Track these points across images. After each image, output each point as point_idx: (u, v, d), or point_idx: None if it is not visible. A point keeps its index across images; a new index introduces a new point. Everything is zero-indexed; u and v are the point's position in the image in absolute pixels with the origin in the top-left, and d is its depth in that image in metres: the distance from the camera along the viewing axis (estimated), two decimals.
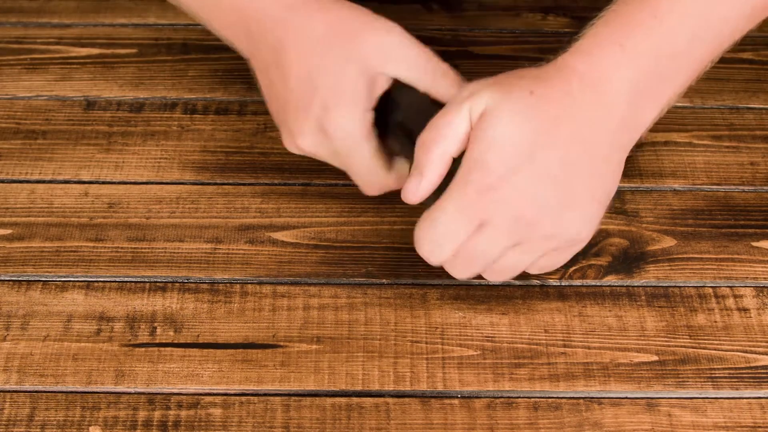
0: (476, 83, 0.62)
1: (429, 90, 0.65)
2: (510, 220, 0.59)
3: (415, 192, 0.61)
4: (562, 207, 0.60)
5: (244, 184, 0.75)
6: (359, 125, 0.64)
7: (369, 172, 0.66)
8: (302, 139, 0.65)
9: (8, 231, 0.72)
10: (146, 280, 0.69)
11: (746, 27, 0.63)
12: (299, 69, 0.64)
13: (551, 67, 0.62)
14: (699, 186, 0.75)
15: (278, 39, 0.64)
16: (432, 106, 0.64)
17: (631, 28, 0.61)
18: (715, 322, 0.67)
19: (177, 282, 0.69)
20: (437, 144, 0.60)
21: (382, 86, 0.65)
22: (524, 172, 0.59)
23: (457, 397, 0.64)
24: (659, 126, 0.79)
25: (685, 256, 0.71)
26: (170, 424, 0.62)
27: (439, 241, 0.61)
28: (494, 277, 0.64)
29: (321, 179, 0.75)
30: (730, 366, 0.65)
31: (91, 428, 0.62)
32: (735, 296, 0.69)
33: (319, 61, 0.64)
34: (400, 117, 0.66)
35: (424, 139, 0.61)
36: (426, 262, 0.70)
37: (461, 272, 0.63)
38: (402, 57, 0.65)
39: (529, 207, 0.59)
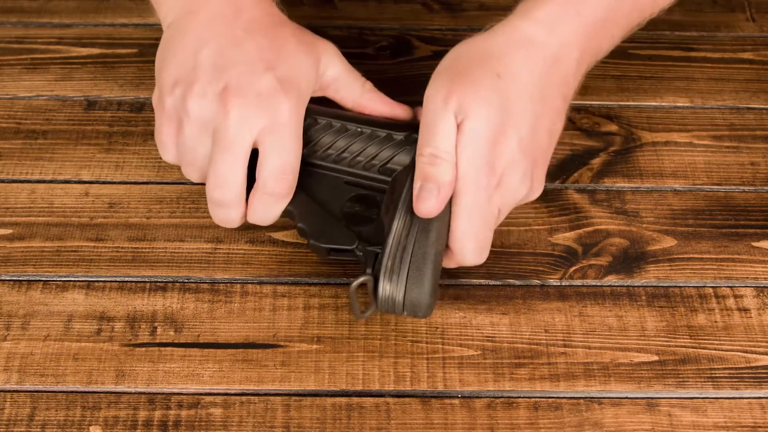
0: (439, 82, 0.65)
1: (357, 99, 0.70)
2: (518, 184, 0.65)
3: (436, 205, 0.63)
4: (533, 166, 0.66)
5: None
6: (302, 109, 0.66)
7: (287, 157, 0.65)
8: (245, 97, 0.64)
9: (9, 231, 0.72)
10: (147, 279, 0.69)
11: None
12: (270, 31, 0.67)
13: (509, 39, 0.66)
14: (699, 186, 0.75)
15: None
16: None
17: None
18: (716, 322, 0.68)
19: (177, 282, 0.69)
20: (439, 154, 0.63)
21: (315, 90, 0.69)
22: (513, 155, 0.64)
23: (458, 397, 0.64)
24: (659, 126, 0.79)
25: (685, 256, 0.71)
26: (170, 423, 0.62)
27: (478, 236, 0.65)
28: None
29: None
30: (730, 366, 0.65)
31: (91, 428, 0.62)
32: (735, 296, 0.69)
33: (290, 35, 0.67)
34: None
35: (425, 152, 0.63)
36: None
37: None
38: (341, 62, 0.70)
39: (523, 179, 0.65)
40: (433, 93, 0.64)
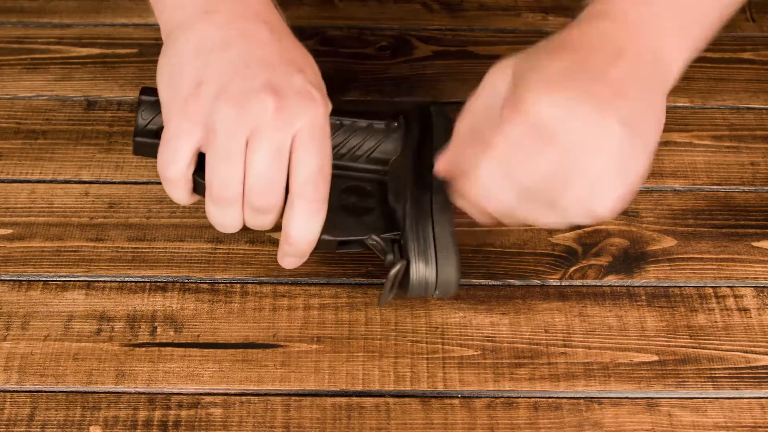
0: (533, 90, 0.59)
1: None
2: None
3: None
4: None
5: None
6: (328, 115, 0.63)
7: (324, 160, 0.62)
8: (286, 93, 0.60)
9: (9, 231, 0.72)
10: (147, 279, 0.69)
11: None
12: (290, 35, 0.65)
13: (606, 52, 0.60)
14: (699, 186, 0.75)
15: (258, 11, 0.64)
16: None
17: None
18: (716, 322, 0.68)
19: (177, 282, 0.69)
20: None
21: None
22: None
23: (458, 397, 0.64)
24: None
25: (685, 256, 0.71)
26: (170, 424, 0.62)
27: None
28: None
29: None
30: (730, 366, 0.65)
31: (91, 428, 0.62)
32: (735, 296, 0.69)
33: (300, 44, 0.65)
34: None
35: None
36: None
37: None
38: None
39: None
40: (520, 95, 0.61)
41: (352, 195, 0.66)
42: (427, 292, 0.64)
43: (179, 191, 0.63)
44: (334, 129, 0.66)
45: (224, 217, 0.62)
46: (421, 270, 0.63)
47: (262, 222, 0.63)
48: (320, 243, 0.64)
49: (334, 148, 0.65)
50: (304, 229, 0.62)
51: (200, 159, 0.62)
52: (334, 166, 0.64)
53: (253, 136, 0.60)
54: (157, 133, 0.64)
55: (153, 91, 0.65)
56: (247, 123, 0.60)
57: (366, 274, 0.70)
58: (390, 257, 0.64)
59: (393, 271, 0.63)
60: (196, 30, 0.63)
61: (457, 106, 0.64)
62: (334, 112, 0.65)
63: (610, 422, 0.63)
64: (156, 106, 0.65)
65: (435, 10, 0.89)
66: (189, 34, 0.63)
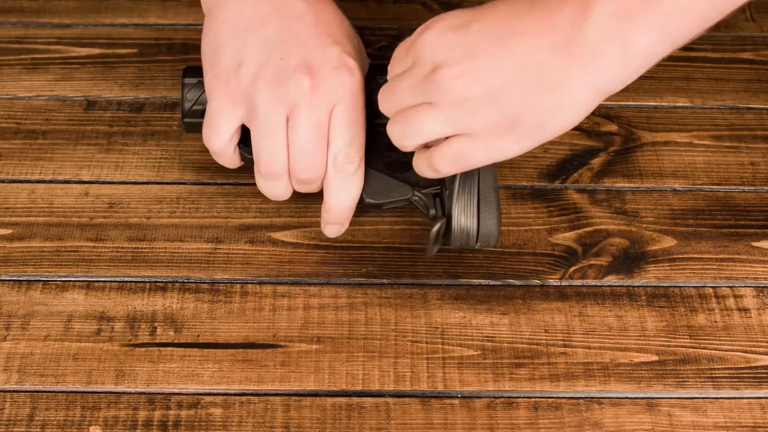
0: None
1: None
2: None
3: None
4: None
5: (244, 184, 0.75)
6: (363, 85, 0.66)
7: (356, 131, 0.65)
8: (320, 71, 0.63)
9: (8, 231, 0.72)
10: (146, 280, 0.69)
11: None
12: (327, 5, 0.67)
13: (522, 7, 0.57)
14: (699, 186, 0.75)
15: None
16: None
17: None
18: (716, 322, 0.67)
19: (177, 282, 0.69)
20: None
21: None
22: None
23: (458, 397, 0.64)
24: (659, 126, 0.79)
25: (685, 256, 0.71)
26: (170, 424, 0.62)
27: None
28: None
29: None
30: (730, 366, 0.65)
31: (91, 428, 0.62)
32: (735, 296, 0.69)
33: (342, 14, 0.68)
34: None
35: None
36: (425, 262, 0.70)
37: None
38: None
39: None
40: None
41: (394, 151, 0.66)
42: (469, 243, 0.66)
43: (225, 160, 0.68)
44: (376, 87, 0.67)
45: (274, 188, 0.67)
46: (462, 221, 0.65)
47: (309, 188, 0.67)
48: (367, 206, 0.68)
49: (375, 105, 0.66)
50: (341, 198, 0.66)
51: (247, 132, 0.66)
52: (378, 124, 0.66)
53: (292, 114, 0.63)
54: (203, 113, 0.68)
55: (194, 71, 0.70)
56: (285, 102, 0.63)
57: (366, 274, 0.70)
58: (432, 212, 0.66)
59: (434, 229, 0.65)
60: (233, 7, 0.65)
61: None
62: (378, 70, 0.67)
63: (610, 422, 0.62)
64: (199, 87, 0.70)
65: (435, 10, 0.88)
66: (226, 11, 0.65)
